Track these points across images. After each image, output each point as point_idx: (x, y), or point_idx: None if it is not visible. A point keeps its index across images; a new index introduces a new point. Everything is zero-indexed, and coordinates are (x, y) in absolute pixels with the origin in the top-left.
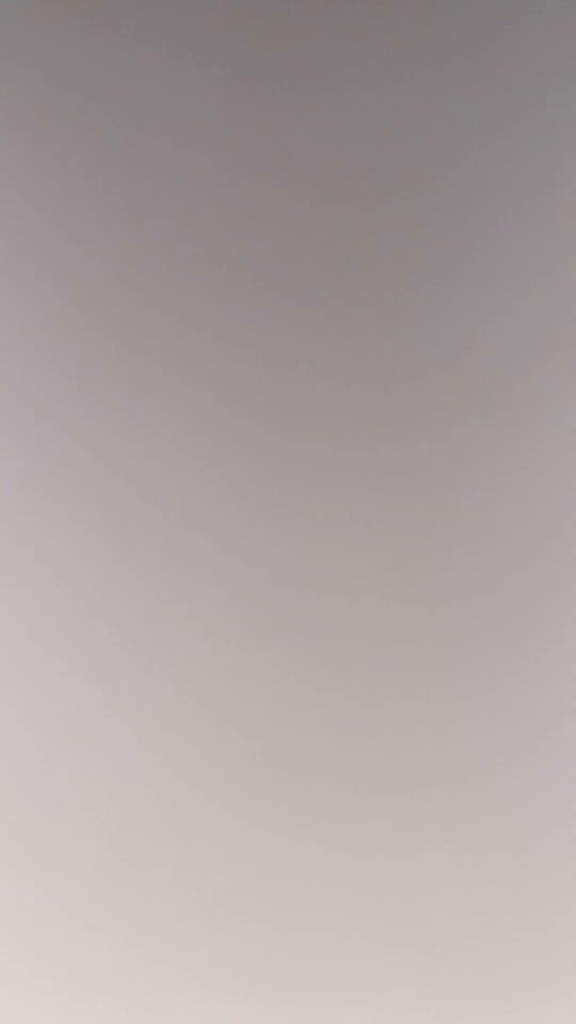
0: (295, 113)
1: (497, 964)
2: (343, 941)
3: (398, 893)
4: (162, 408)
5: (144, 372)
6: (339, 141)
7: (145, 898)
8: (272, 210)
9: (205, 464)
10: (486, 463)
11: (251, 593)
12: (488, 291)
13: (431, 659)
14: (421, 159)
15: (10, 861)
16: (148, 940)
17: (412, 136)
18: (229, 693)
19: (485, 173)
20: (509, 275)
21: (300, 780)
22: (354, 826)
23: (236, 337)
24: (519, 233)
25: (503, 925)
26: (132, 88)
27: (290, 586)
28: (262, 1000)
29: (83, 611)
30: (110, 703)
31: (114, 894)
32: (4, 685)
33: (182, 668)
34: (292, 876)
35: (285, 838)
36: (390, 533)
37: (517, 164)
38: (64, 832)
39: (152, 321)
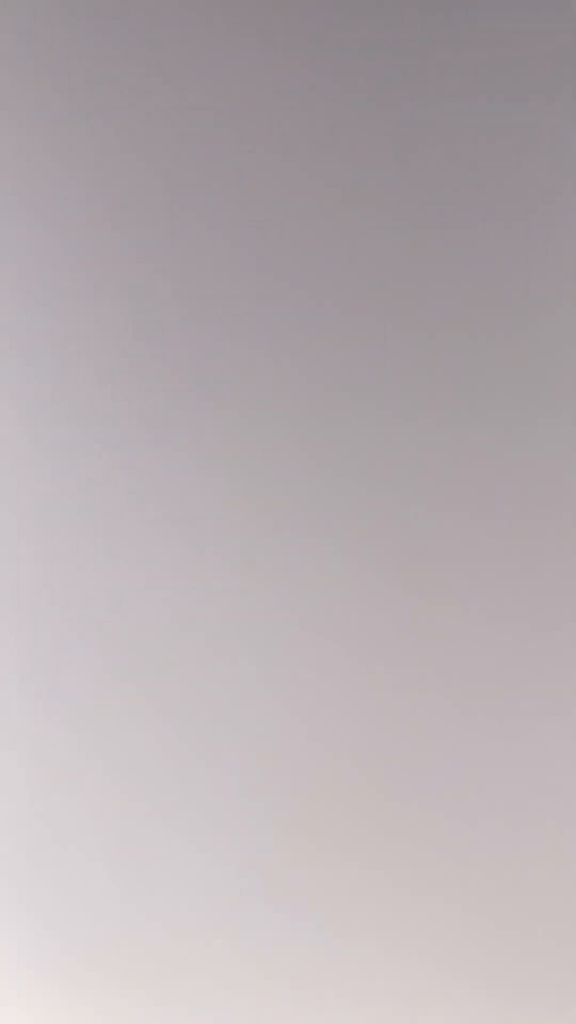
0: (296, 117)
1: (499, 972)
2: (345, 949)
3: (400, 904)
4: (162, 400)
5: (151, 374)
6: (340, 150)
7: (146, 908)
8: (273, 215)
9: (205, 459)
10: (489, 461)
11: (252, 595)
12: (489, 293)
13: (434, 659)
14: (421, 166)
15: (13, 871)
16: (149, 944)
17: (412, 144)
18: (230, 693)
19: (485, 174)
20: (510, 278)
21: (301, 781)
22: (355, 834)
23: (236, 334)
24: (519, 237)
25: (505, 931)
26: (133, 101)
27: (293, 589)
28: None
29: (84, 613)
30: (110, 706)
31: (115, 910)
32: (5, 694)
33: (182, 668)
34: (293, 883)
35: (285, 841)
36: (391, 535)
37: (518, 167)
38: (67, 844)
39: (152, 326)
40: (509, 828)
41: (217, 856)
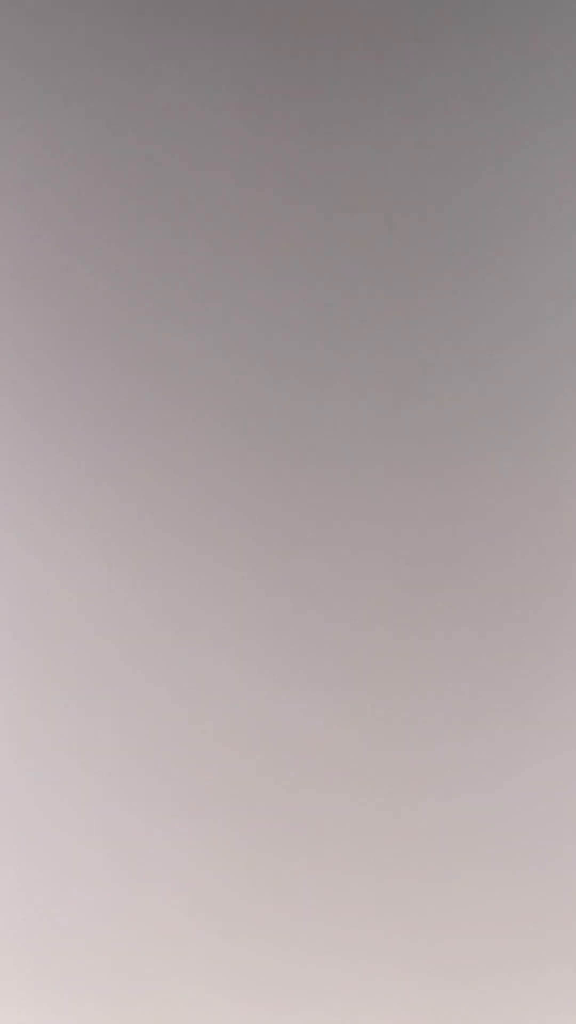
0: (298, 129)
1: (501, 974)
2: (346, 950)
3: (402, 900)
4: (164, 411)
5: (145, 385)
6: (341, 161)
7: (146, 908)
8: (275, 226)
9: (204, 467)
10: (490, 462)
11: (254, 599)
12: (490, 301)
13: (434, 660)
14: (422, 179)
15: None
16: (149, 939)
17: (414, 155)
18: (231, 697)
19: (486, 183)
20: (510, 285)
21: (301, 783)
22: (354, 835)
23: (238, 349)
24: (519, 239)
25: (508, 935)
26: (136, 109)
27: (293, 590)
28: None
29: (84, 620)
30: (109, 709)
31: (114, 918)
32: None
33: (181, 670)
34: (292, 886)
35: (283, 843)
36: (392, 535)
37: (517, 169)
38: (65, 848)
39: (152, 340)
40: (510, 829)
41: (215, 858)
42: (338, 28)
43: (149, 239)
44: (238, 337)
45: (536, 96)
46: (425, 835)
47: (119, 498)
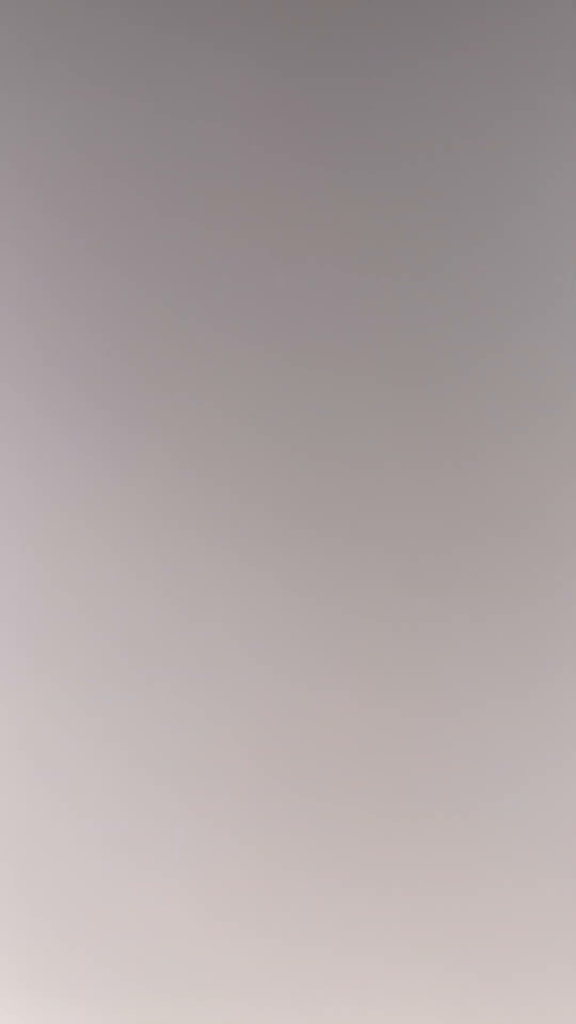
0: (296, 115)
1: (509, 971)
2: (344, 954)
3: (399, 907)
4: (166, 403)
5: (147, 377)
6: (340, 152)
7: (143, 915)
8: (279, 213)
9: (208, 464)
10: (490, 457)
11: (255, 599)
12: (489, 298)
13: (434, 662)
14: (421, 169)
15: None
16: (146, 951)
17: (413, 142)
18: (231, 699)
19: (486, 177)
20: (511, 278)
21: (304, 786)
22: (354, 836)
23: (240, 342)
24: (519, 233)
25: (517, 932)
26: (134, 83)
27: (293, 591)
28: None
29: (87, 612)
30: (112, 699)
31: (114, 925)
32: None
33: (181, 671)
34: (293, 889)
35: (284, 845)
36: (393, 536)
37: (516, 163)
38: (61, 854)
39: (154, 330)
40: (510, 830)
41: (219, 852)
42: (340, 19)
43: (152, 223)
44: (241, 328)
45: (536, 93)
46: (431, 830)
47: (123, 489)
